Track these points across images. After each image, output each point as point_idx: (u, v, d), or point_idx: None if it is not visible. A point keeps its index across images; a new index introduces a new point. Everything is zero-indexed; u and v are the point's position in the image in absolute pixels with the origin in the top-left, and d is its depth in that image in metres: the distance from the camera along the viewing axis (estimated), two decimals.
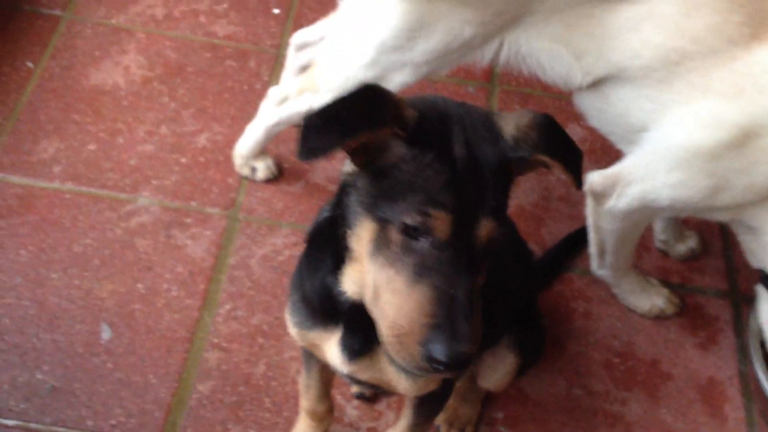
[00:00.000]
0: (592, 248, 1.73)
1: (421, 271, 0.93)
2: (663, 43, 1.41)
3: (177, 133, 2.03)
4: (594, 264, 1.77)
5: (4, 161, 1.91)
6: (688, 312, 1.87)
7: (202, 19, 2.27)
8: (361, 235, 0.99)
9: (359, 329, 1.13)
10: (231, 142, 1.98)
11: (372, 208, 0.96)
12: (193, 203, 1.90)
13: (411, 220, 0.92)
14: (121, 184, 1.92)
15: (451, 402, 1.62)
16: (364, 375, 1.21)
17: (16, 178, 1.89)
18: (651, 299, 1.82)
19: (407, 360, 0.96)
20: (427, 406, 1.37)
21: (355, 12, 1.57)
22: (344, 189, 1.02)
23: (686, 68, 1.40)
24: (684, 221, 1.95)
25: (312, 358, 1.40)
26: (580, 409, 1.70)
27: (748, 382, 1.76)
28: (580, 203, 1.83)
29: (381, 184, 0.96)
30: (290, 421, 1.60)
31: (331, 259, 1.09)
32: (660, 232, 1.92)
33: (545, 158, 0.98)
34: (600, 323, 1.83)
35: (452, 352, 0.91)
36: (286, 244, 1.86)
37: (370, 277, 0.99)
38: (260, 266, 1.82)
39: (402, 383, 1.19)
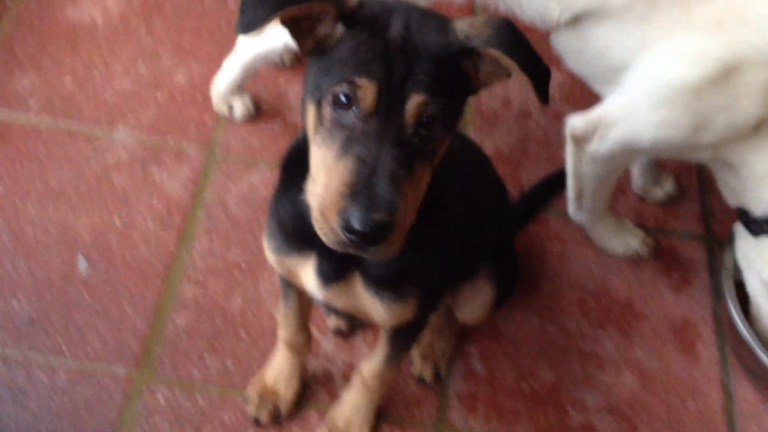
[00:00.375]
0: (570, 192, 1.74)
1: (347, 145, 0.93)
2: None
3: (154, 69, 2.00)
4: (571, 207, 1.78)
5: None
6: (663, 255, 1.88)
7: None
8: (308, 122, 0.99)
9: (333, 254, 1.13)
10: (209, 80, 1.96)
11: (313, 91, 0.97)
12: (169, 140, 1.89)
13: (338, 89, 0.93)
14: (97, 118, 1.90)
15: (426, 336, 1.64)
16: (339, 302, 1.21)
17: None
18: (626, 241, 1.84)
19: (329, 235, 0.95)
20: (401, 338, 1.38)
21: None
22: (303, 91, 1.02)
23: (668, 2, 1.40)
24: (662, 164, 1.96)
25: (290, 288, 1.40)
26: (552, 347, 1.72)
27: (721, 322, 1.78)
28: (557, 147, 1.84)
29: (321, 66, 0.97)
30: (266, 353, 1.60)
31: (301, 179, 1.08)
32: (638, 177, 1.92)
33: (497, 53, 0.96)
34: (575, 264, 1.84)
35: (368, 220, 0.90)
36: (263, 182, 1.85)
37: (313, 164, 0.98)
38: (237, 203, 1.82)
39: (377, 311, 1.20)
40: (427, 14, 1.00)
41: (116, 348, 1.59)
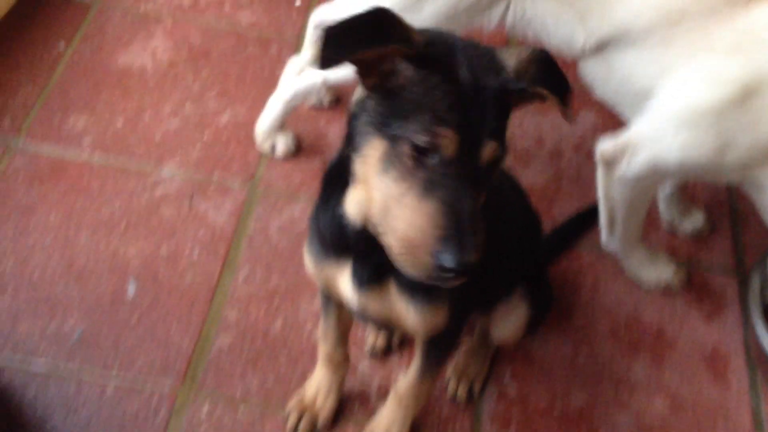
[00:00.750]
0: (603, 219, 1.79)
1: (430, 187, 1.00)
2: (664, 3, 1.48)
3: (200, 112, 2.11)
4: (604, 236, 1.83)
5: (37, 132, 2.01)
6: (695, 287, 1.92)
7: (227, 8, 2.37)
8: (370, 154, 1.05)
9: (368, 259, 1.21)
10: (252, 120, 2.06)
11: (382, 127, 1.03)
12: (214, 176, 1.98)
13: (420, 138, 0.99)
14: (146, 156, 2.00)
15: (461, 358, 1.69)
16: (374, 307, 1.27)
17: (47, 148, 1.98)
18: (658, 272, 1.88)
19: (419, 270, 1.02)
20: (435, 351, 1.43)
21: None
22: (353, 117, 1.09)
23: (687, 28, 1.48)
24: (691, 199, 2.01)
25: (330, 304, 1.47)
26: (585, 372, 1.75)
27: (751, 351, 1.80)
28: (590, 184, 1.89)
29: (391, 104, 1.02)
30: (305, 373, 1.65)
31: (340, 192, 1.16)
32: (664, 211, 1.98)
33: (543, 91, 1.04)
34: (607, 295, 1.89)
35: (461, 261, 0.98)
36: (303, 215, 1.93)
37: (379, 194, 1.05)
38: (278, 234, 1.90)
39: (410, 315, 1.25)
40: (480, 50, 1.06)
41: (162, 366, 1.65)
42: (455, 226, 0.99)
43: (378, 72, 1.03)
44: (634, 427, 1.68)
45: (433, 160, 1.00)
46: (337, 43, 0.98)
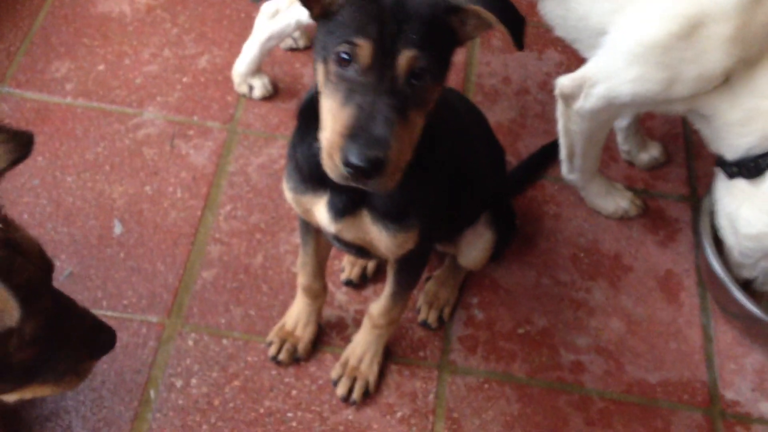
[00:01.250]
0: (563, 152, 1.89)
1: (350, 95, 1.10)
2: None
3: (179, 55, 2.18)
4: (564, 168, 1.93)
5: (21, 79, 2.08)
6: (651, 214, 2.04)
7: None
8: (318, 80, 1.16)
9: (343, 192, 1.31)
10: (230, 63, 2.13)
11: (321, 51, 1.14)
12: (194, 118, 2.07)
13: (340, 49, 1.10)
14: (128, 100, 2.08)
15: (432, 286, 1.80)
16: (349, 234, 1.37)
17: (31, 94, 2.05)
18: (616, 201, 1.99)
19: (334, 171, 1.12)
20: (405, 274, 1.55)
21: None
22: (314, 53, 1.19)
23: None
24: (648, 132, 2.12)
25: (308, 235, 1.57)
26: (547, 296, 1.87)
27: (702, 273, 1.93)
28: (554, 121, 1.99)
29: (327, 29, 1.13)
30: (285, 304, 1.77)
31: (315, 126, 1.25)
32: (622, 143, 2.08)
33: (478, 8, 1.12)
34: (568, 223, 2.00)
35: (364, 156, 1.07)
36: (281, 155, 2.02)
37: (322, 112, 1.15)
38: (257, 173, 1.99)
39: (383, 240, 1.36)
40: None
41: (150, 299, 1.76)
42: (363, 126, 1.09)
43: (319, 2, 1.13)
44: (592, 347, 1.81)
45: (352, 71, 1.10)
46: None
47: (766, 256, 1.73)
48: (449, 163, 1.39)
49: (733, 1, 1.51)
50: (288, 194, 1.42)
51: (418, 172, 1.31)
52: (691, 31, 1.54)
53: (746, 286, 1.81)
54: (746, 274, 1.80)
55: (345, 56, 1.10)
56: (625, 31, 1.62)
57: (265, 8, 1.97)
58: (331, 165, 1.12)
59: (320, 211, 1.37)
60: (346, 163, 1.09)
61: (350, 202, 1.33)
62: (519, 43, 1.16)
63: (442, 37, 1.15)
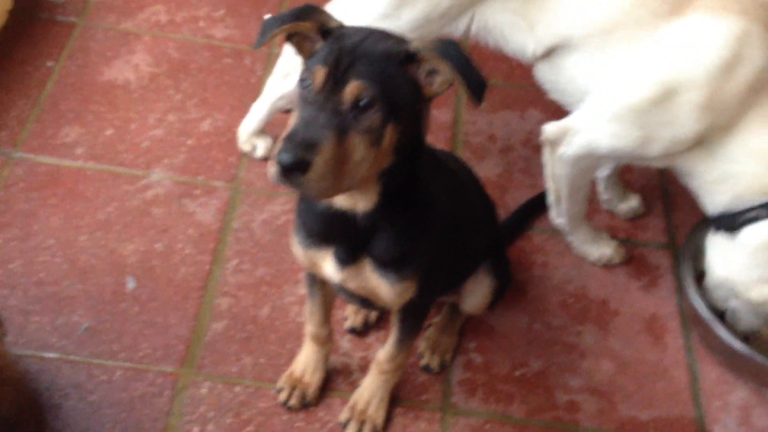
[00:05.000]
0: (550, 197, 2.01)
1: (300, 111, 1.24)
2: (599, 15, 1.72)
3: (183, 120, 2.30)
4: (552, 213, 2.05)
5: (33, 144, 2.18)
6: (634, 261, 2.16)
7: (201, 24, 2.55)
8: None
9: (346, 244, 1.43)
10: (231, 126, 2.26)
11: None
12: (199, 178, 2.17)
13: (303, 75, 1.25)
14: (136, 162, 2.18)
15: (433, 333, 1.90)
16: (353, 283, 1.48)
17: (43, 158, 2.15)
18: (601, 249, 2.11)
19: (272, 170, 1.22)
20: (409, 322, 1.64)
21: None
22: None
23: (619, 37, 1.72)
24: (627, 184, 2.26)
25: (314, 286, 1.67)
26: (541, 340, 1.98)
27: (686, 314, 2.04)
28: (538, 175, 2.12)
29: (304, 66, 1.29)
30: (293, 352, 1.85)
31: None
32: (603, 192, 2.21)
33: (433, 56, 1.23)
34: (556, 271, 2.12)
35: (289, 154, 1.18)
36: (283, 211, 2.13)
37: None
38: (261, 229, 2.09)
39: (384, 289, 1.46)
40: (388, 34, 1.30)
41: (164, 351, 1.84)
42: (298, 132, 1.20)
43: (308, 50, 1.30)
44: (585, 387, 1.91)
45: (308, 92, 1.23)
46: (271, 23, 1.30)
47: (731, 298, 1.87)
48: (446, 216, 1.51)
49: (705, 70, 1.66)
50: (296, 249, 1.53)
51: (416, 225, 1.43)
52: (666, 97, 1.69)
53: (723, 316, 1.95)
54: (719, 306, 1.94)
55: (305, 80, 1.24)
56: (607, 91, 1.77)
57: (278, 69, 2.11)
58: (270, 167, 1.24)
59: (326, 263, 1.47)
60: (276, 160, 1.21)
61: (353, 252, 1.44)
62: (477, 97, 1.25)
63: (400, 83, 1.25)
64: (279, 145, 1.21)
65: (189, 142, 2.25)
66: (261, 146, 2.21)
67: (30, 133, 2.20)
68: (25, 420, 1.46)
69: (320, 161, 1.19)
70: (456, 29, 1.85)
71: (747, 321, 1.90)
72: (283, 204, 2.14)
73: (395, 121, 1.25)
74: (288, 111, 2.31)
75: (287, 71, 2.07)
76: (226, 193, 2.15)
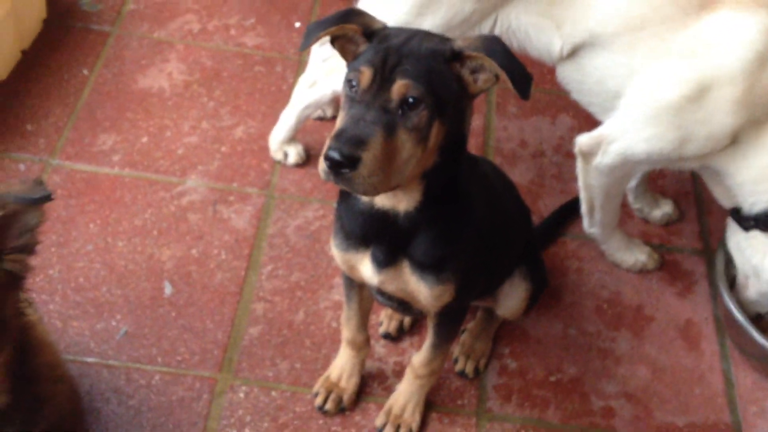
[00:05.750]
0: (583, 207, 2.02)
1: (348, 110, 1.27)
2: (628, 11, 1.72)
3: (216, 127, 2.32)
4: (585, 223, 2.05)
5: (70, 152, 2.21)
6: (668, 267, 2.15)
7: (233, 32, 2.58)
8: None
9: (384, 246, 1.44)
10: (263, 133, 2.28)
11: (342, 84, 1.31)
12: (234, 184, 2.19)
13: (349, 75, 1.28)
14: (171, 169, 2.21)
15: (467, 338, 1.91)
16: (391, 286, 1.49)
17: (81, 166, 2.18)
18: (635, 255, 2.11)
19: (322, 166, 1.25)
20: (445, 326, 1.65)
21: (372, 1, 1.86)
22: None
23: (648, 34, 1.72)
24: (660, 190, 2.25)
25: (352, 291, 1.69)
26: (575, 345, 1.98)
27: (720, 320, 2.04)
28: (570, 180, 2.13)
29: (348, 68, 1.31)
30: (328, 357, 1.87)
31: None
32: (633, 202, 2.21)
33: (479, 54, 1.26)
34: (591, 277, 2.12)
35: (339, 151, 1.21)
36: (316, 217, 2.15)
37: None
38: (295, 235, 2.11)
39: (422, 292, 1.47)
40: (432, 34, 1.33)
41: (201, 355, 1.86)
42: (347, 129, 1.23)
43: (351, 52, 1.33)
44: (621, 393, 1.91)
45: (355, 92, 1.26)
46: (316, 26, 1.33)
47: None
48: (484, 219, 1.51)
49: (739, 65, 1.66)
50: (334, 251, 1.54)
51: (456, 227, 1.44)
52: (701, 94, 1.69)
53: (757, 320, 1.94)
54: (760, 309, 1.94)
55: (352, 81, 1.27)
56: (640, 94, 1.77)
57: (303, 79, 2.13)
58: (321, 163, 1.26)
59: (364, 266, 1.49)
60: (325, 157, 1.23)
61: (391, 253, 1.45)
62: (523, 92, 1.28)
63: (445, 81, 1.28)
64: (328, 142, 1.23)
65: (223, 149, 2.27)
66: (292, 153, 2.23)
67: (67, 140, 2.23)
68: (75, 420, 1.48)
69: (369, 157, 1.21)
70: (479, 33, 1.86)
71: None
72: (316, 210, 2.16)
73: (441, 119, 1.28)
74: (319, 119, 2.34)
75: (313, 80, 2.09)
76: (260, 199, 2.17)
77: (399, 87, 1.24)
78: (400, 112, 1.24)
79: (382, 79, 1.24)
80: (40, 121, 2.26)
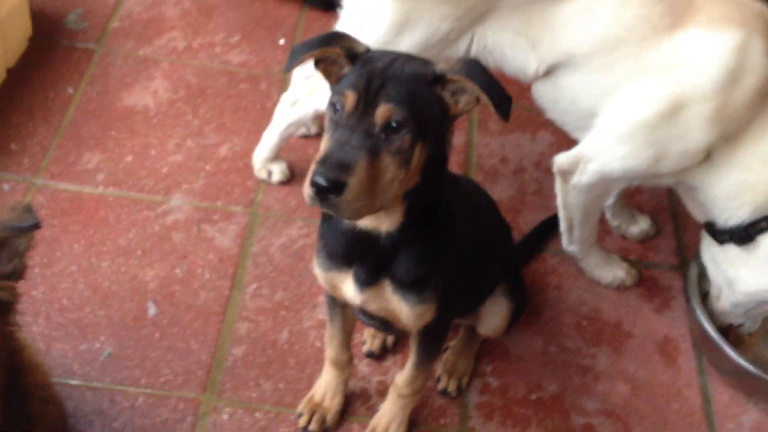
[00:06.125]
0: (562, 225, 2.05)
1: (332, 134, 1.29)
2: (602, 32, 1.75)
3: (201, 145, 2.34)
4: (564, 240, 2.08)
5: (54, 171, 2.22)
6: (645, 283, 2.19)
7: (218, 49, 2.59)
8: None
9: (366, 266, 1.47)
10: (248, 151, 2.29)
11: (327, 107, 1.33)
12: (218, 203, 2.21)
13: (333, 99, 1.30)
14: (156, 188, 2.22)
15: (450, 357, 1.93)
16: (373, 305, 1.52)
17: (65, 185, 2.19)
18: (613, 272, 2.14)
19: (306, 191, 1.28)
20: (428, 345, 1.67)
21: (352, 19, 1.89)
22: None
23: (622, 53, 1.75)
24: (637, 206, 2.29)
25: (335, 310, 1.71)
26: (556, 362, 2.01)
27: (696, 337, 2.07)
28: (550, 197, 2.15)
29: (333, 90, 1.33)
30: (312, 377, 1.89)
31: None
32: (611, 219, 2.24)
33: (461, 77, 1.29)
34: (570, 293, 2.15)
35: (325, 176, 1.23)
36: (300, 235, 2.17)
37: None
38: (279, 253, 2.13)
39: (403, 311, 1.50)
40: (414, 57, 1.37)
41: (185, 376, 1.87)
42: (332, 154, 1.26)
43: (334, 74, 1.35)
44: (601, 410, 1.94)
45: (340, 116, 1.28)
46: (300, 48, 1.35)
47: (758, 306, 1.89)
48: (466, 238, 1.54)
49: (711, 83, 1.70)
50: (317, 270, 1.56)
51: (437, 247, 1.47)
52: (674, 111, 1.72)
53: (726, 330, 1.99)
54: (733, 320, 1.97)
55: (336, 104, 1.29)
56: (615, 112, 1.80)
57: (285, 98, 2.14)
58: (305, 188, 1.28)
59: (347, 286, 1.51)
60: (311, 182, 1.25)
61: (373, 273, 1.47)
62: (503, 113, 1.31)
63: (427, 104, 1.31)
64: (313, 167, 1.25)
65: (207, 167, 2.29)
66: (276, 171, 2.25)
67: (52, 159, 2.24)
68: None
69: (355, 182, 1.24)
70: (456, 51, 1.88)
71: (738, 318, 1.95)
72: (300, 228, 2.18)
73: (423, 141, 1.30)
74: (303, 136, 2.36)
75: (294, 99, 2.11)
76: (245, 217, 2.19)
77: (383, 111, 1.26)
78: (383, 135, 1.27)
79: (366, 103, 1.27)
80: (24, 140, 2.27)
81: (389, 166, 1.28)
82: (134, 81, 2.47)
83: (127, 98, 2.43)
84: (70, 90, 2.42)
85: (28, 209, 1.21)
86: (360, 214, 1.31)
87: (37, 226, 1.19)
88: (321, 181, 1.24)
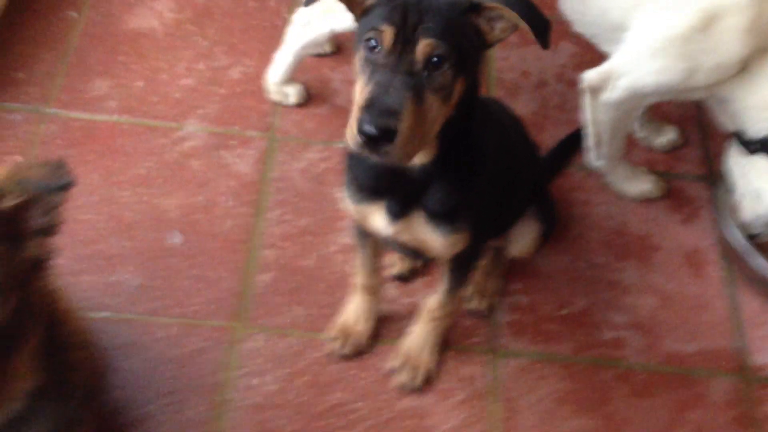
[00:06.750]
0: (590, 141, 2.01)
1: (372, 75, 1.22)
2: None
3: (212, 67, 2.27)
4: (591, 156, 2.05)
5: (64, 99, 2.16)
6: (673, 194, 2.16)
7: None
8: (355, 69, 1.27)
9: (398, 197, 1.43)
10: (261, 73, 2.23)
11: (357, 43, 1.26)
12: (234, 128, 2.16)
13: (368, 35, 1.22)
14: (170, 114, 2.17)
15: (479, 277, 1.92)
16: (405, 236, 1.49)
17: (76, 114, 2.14)
18: (640, 184, 2.12)
19: (352, 139, 1.23)
20: (458, 271, 1.66)
21: None
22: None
23: None
24: (664, 116, 2.24)
25: (365, 238, 1.68)
26: (584, 278, 2.00)
27: (725, 247, 2.06)
28: (573, 110, 2.11)
29: (362, 24, 1.26)
30: (340, 301, 1.87)
31: None
32: (638, 131, 2.20)
33: (498, 5, 1.22)
34: (597, 208, 2.12)
35: (375, 124, 1.19)
36: (321, 158, 2.13)
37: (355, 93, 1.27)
38: (300, 177, 2.09)
39: (436, 241, 1.48)
40: None
41: (216, 304, 1.87)
42: (378, 99, 1.20)
43: (359, 5, 1.27)
44: (630, 323, 1.94)
45: (377, 54, 1.22)
46: None
47: None
48: (496, 166, 1.51)
49: None
50: (347, 204, 1.53)
51: (468, 177, 1.43)
52: (708, 23, 1.67)
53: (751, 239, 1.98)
54: (753, 230, 1.95)
55: (372, 41, 1.22)
56: (646, 26, 1.74)
57: (297, 18, 2.07)
58: (351, 135, 1.23)
59: (377, 217, 1.48)
60: (360, 131, 1.20)
61: (405, 205, 1.44)
62: (543, 42, 1.26)
63: (465, 33, 1.25)
64: (358, 114, 1.20)
65: (221, 91, 2.23)
66: (293, 93, 2.19)
67: (60, 88, 2.18)
68: (96, 383, 1.49)
69: (405, 127, 1.19)
70: None
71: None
72: (320, 151, 2.14)
73: (464, 74, 1.25)
74: (318, 55, 2.29)
75: (307, 20, 2.03)
76: (262, 142, 2.15)
77: (424, 47, 1.20)
78: (425, 73, 1.21)
79: (405, 38, 1.20)
80: (31, 69, 2.21)
81: (433, 104, 1.23)
82: (138, 2, 2.39)
83: (132, 20, 2.35)
84: (73, 14, 2.33)
85: (61, 165, 1.16)
86: (409, 158, 1.26)
87: (70, 184, 1.15)
88: (371, 129, 1.18)
